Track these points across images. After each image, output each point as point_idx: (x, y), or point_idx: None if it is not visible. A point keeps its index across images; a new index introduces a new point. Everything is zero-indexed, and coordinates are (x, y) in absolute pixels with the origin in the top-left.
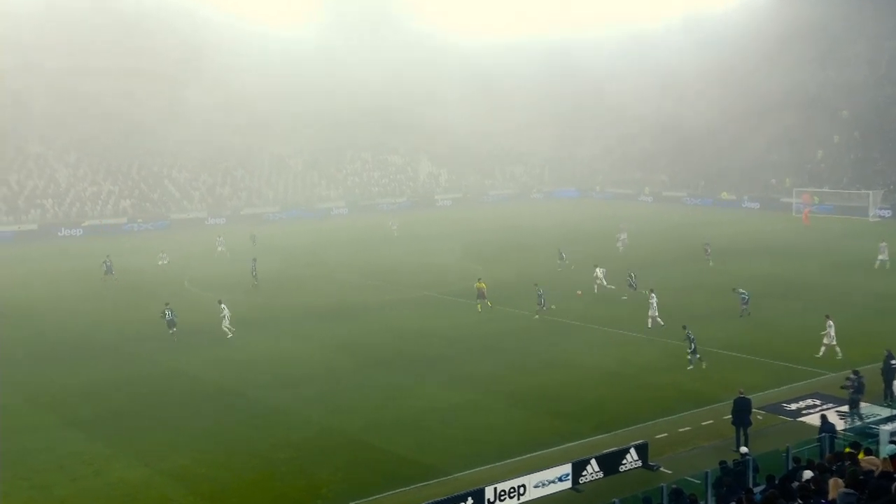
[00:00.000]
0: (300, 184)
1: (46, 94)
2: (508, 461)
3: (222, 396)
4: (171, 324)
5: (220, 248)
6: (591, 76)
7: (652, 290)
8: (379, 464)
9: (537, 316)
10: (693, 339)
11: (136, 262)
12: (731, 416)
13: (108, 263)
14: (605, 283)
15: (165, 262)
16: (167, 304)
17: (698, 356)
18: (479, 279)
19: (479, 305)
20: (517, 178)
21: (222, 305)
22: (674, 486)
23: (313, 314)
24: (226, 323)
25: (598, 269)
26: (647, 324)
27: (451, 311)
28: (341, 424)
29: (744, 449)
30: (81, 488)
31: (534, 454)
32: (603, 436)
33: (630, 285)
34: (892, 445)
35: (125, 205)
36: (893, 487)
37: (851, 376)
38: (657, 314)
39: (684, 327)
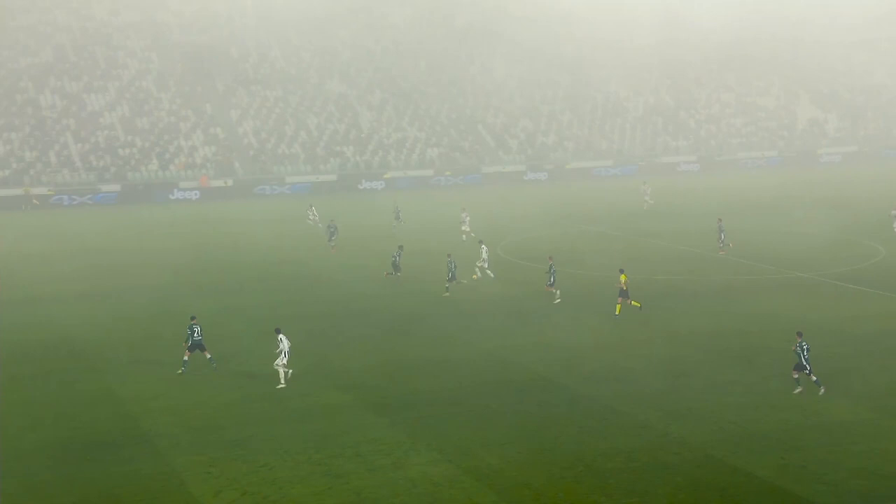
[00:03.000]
0: (640, 132)
1: (353, 22)
2: None
3: (543, 388)
4: (195, 344)
5: (311, 219)
6: None
7: None
8: (732, 487)
9: (447, 293)
10: (806, 355)
11: (441, 223)
12: None
13: (333, 227)
14: (486, 267)
15: (467, 230)
16: (193, 319)
17: (814, 379)
18: (621, 270)
19: (618, 307)
20: None
21: (280, 336)
22: None
23: (645, 294)
24: (281, 361)
25: (483, 248)
26: None
27: (834, 300)
28: (686, 433)
29: None
30: (380, 481)
31: None
32: None
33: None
34: None
35: (432, 154)
36: None
37: None
38: None
39: (799, 333)
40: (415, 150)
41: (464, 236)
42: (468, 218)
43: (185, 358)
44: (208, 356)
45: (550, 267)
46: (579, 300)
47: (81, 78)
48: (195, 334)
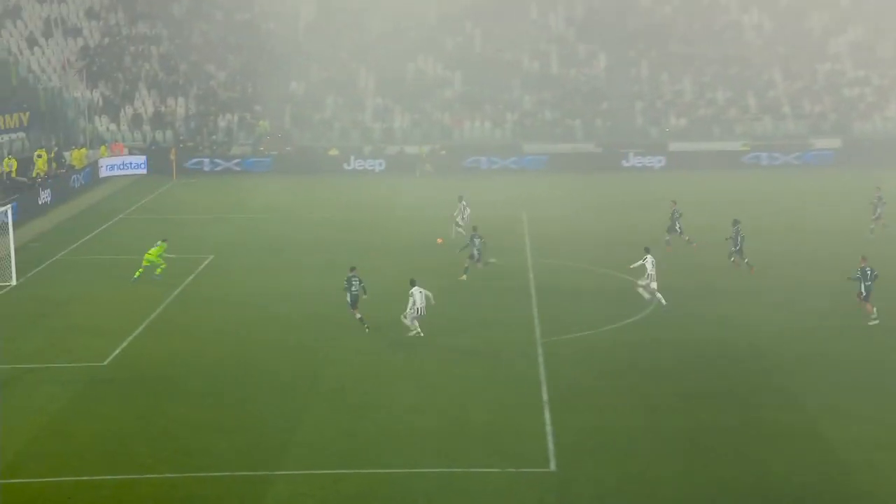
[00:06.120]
0: None
1: None
2: None
3: None
4: (353, 301)
5: (457, 223)
6: None
7: None
8: None
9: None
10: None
11: None
12: None
13: (677, 215)
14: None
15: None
16: (352, 269)
17: None
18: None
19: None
20: None
21: (413, 290)
22: None
23: None
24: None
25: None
26: None
27: None
28: None
29: None
30: None
31: None
32: None
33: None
34: None
35: None
36: None
37: None
38: None
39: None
40: None
41: (872, 226)
42: (882, 205)
43: (358, 317)
44: (358, 316)
45: (472, 237)
46: None
47: None
48: (353, 287)
